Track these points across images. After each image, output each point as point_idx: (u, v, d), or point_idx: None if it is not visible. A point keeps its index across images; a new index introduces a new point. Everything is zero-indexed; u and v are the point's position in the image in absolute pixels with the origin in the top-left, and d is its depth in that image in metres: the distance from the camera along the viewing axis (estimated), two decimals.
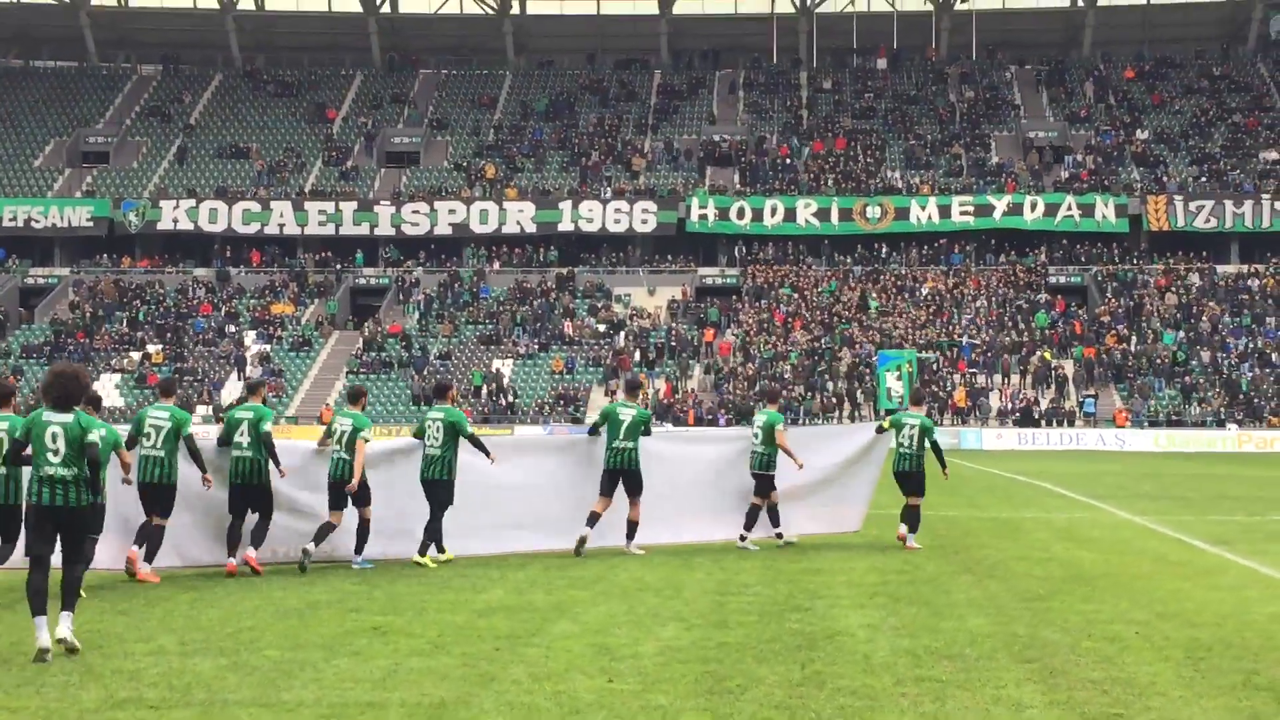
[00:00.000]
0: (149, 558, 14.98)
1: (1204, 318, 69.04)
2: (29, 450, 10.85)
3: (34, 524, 10.73)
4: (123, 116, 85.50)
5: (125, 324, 71.71)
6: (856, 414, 61.22)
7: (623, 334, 69.96)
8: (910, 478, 18.40)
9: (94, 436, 10.79)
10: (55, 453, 10.65)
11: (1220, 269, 73.07)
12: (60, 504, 10.64)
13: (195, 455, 15.10)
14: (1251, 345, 67.24)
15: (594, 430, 17.84)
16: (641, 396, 63.28)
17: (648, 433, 17.63)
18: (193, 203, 76.27)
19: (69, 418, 10.76)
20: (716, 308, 71.50)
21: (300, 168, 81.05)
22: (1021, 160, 78.19)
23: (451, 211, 75.93)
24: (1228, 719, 8.79)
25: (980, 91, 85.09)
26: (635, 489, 17.47)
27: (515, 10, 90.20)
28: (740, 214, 74.76)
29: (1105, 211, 73.46)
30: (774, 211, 74.76)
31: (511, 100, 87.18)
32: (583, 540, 17.21)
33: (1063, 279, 73.14)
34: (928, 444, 18.41)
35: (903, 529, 18.35)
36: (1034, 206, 73.74)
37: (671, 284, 73.99)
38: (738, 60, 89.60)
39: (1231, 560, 17.30)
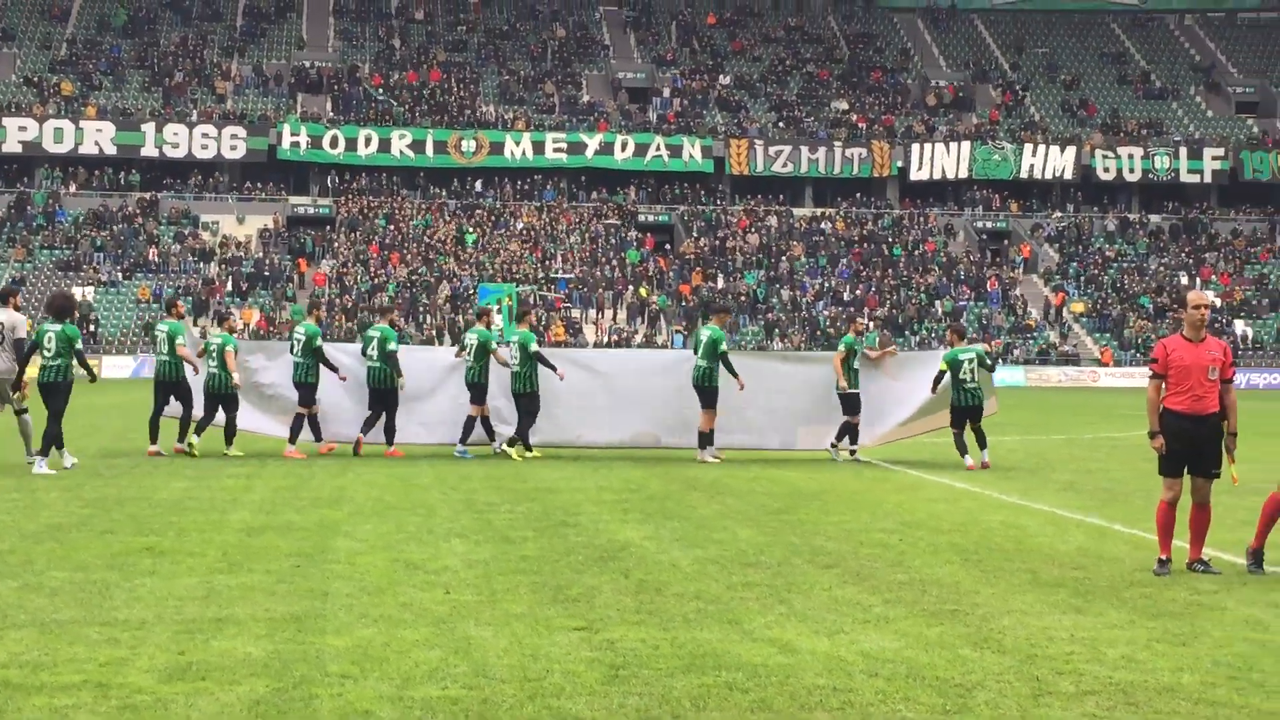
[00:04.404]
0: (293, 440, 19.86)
1: (784, 258, 72.24)
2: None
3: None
4: None
5: None
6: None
7: (213, 263, 67.67)
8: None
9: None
10: (50, 350, 17.10)
11: (797, 212, 76.59)
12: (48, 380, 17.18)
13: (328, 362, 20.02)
14: (826, 285, 70.82)
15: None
16: (229, 325, 61.44)
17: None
18: None
19: (59, 326, 17.25)
20: (310, 238, 70.01)
21: None
22: (612, 100, 79.61)
23: (22, 129, 71.46)
24: (1054, 611, 9.23)
25: (571, 30, 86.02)
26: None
27: None
28: (334, 143, 73.34)
29: (692, 152, 75.79)
30: (368, 142, 73.69)
31: (86, 14, 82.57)
32: None
33: (652, 217, 75.10)
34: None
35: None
36: (624, 146, 75.33)
37: (262, 212, 71.95)
38: None
39: (919, 476, 18.31)
